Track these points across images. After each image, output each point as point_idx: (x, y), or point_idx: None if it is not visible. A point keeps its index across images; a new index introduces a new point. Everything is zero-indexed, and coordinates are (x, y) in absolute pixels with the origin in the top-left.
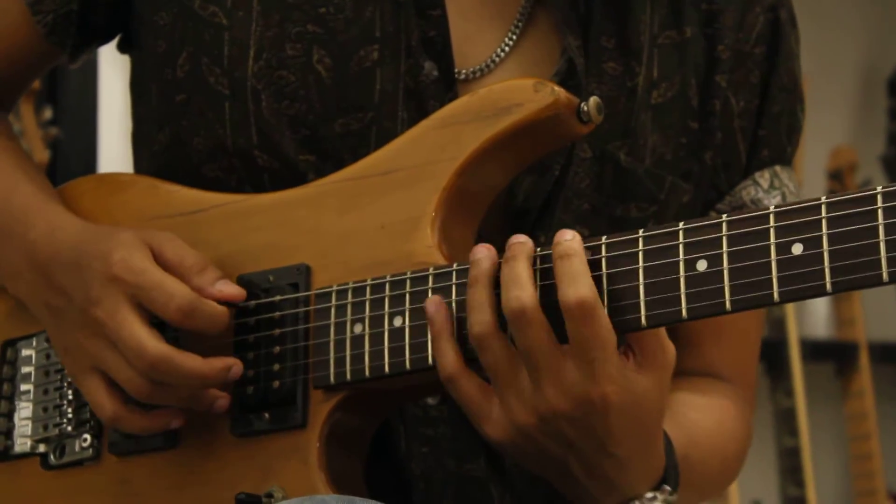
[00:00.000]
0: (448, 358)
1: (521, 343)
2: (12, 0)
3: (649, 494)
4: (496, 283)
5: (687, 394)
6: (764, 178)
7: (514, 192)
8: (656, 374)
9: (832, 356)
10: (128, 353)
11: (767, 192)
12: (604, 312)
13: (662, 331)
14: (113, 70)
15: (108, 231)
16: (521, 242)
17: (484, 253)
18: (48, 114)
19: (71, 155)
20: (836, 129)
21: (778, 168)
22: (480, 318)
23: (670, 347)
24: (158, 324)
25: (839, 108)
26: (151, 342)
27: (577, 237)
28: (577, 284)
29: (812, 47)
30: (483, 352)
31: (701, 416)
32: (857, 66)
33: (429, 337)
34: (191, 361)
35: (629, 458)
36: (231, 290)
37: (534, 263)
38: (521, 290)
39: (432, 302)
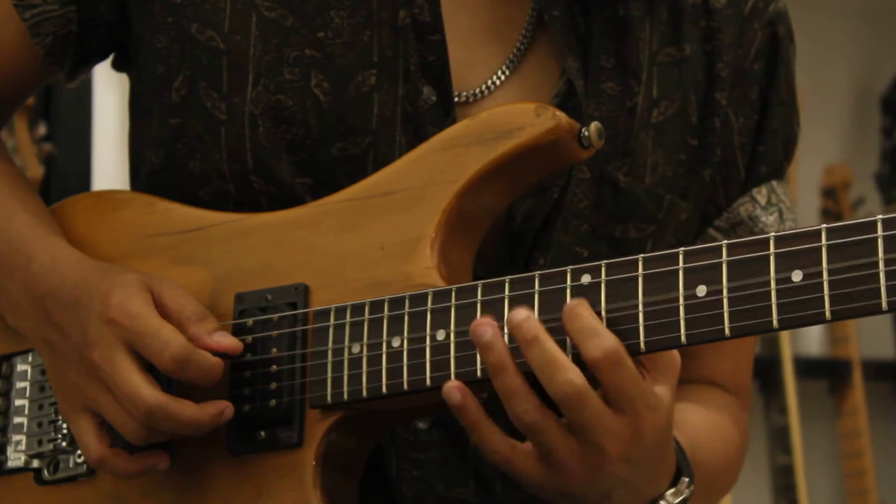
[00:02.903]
0: (498, 444)
1: (579, 421)
2: (10, 19)
3: (670, 490)
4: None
5: (685, 402)
6: (761, 194)
7: (512, 214)
8: (670, 382)
9: (826, 374)
10: (123, 399)
11: (765, 208)
12: (627, 354)
13: None
14: (107, 87)
15: (111, 270)
16: (526, 319)
17: (490, 333)
18: (42, 130)
19: (65, 171)
20: (830, 147)
21: (774, 183)
22: (526, 407)
23: (675, 352)
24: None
25: (833, 126)
26: (147, 390)
27: (583, 300)
28: (598, 338)
29: (806, 66)
30: (535, 436)
31: (700, 420)
32: (850, 85)
33: (427, 361)
34: (186, 409)
35: (653, 465)
36: (228, 341)
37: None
38: (569, 371)
39: (458, 390)
